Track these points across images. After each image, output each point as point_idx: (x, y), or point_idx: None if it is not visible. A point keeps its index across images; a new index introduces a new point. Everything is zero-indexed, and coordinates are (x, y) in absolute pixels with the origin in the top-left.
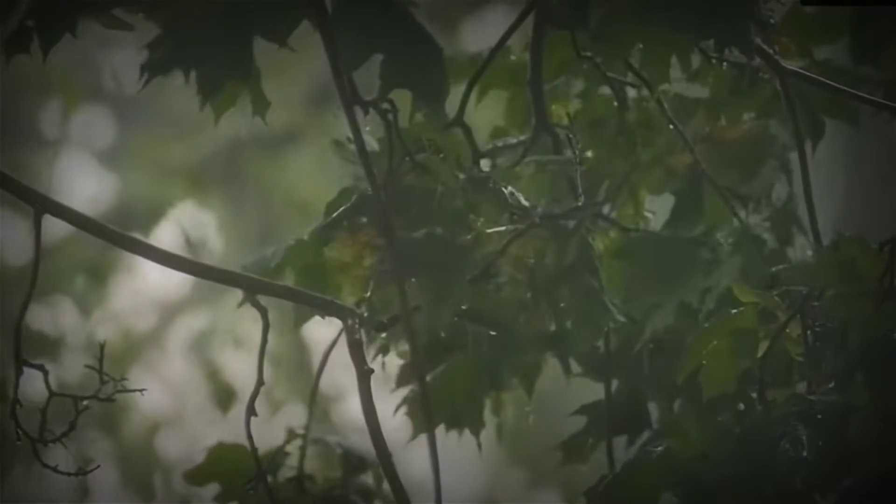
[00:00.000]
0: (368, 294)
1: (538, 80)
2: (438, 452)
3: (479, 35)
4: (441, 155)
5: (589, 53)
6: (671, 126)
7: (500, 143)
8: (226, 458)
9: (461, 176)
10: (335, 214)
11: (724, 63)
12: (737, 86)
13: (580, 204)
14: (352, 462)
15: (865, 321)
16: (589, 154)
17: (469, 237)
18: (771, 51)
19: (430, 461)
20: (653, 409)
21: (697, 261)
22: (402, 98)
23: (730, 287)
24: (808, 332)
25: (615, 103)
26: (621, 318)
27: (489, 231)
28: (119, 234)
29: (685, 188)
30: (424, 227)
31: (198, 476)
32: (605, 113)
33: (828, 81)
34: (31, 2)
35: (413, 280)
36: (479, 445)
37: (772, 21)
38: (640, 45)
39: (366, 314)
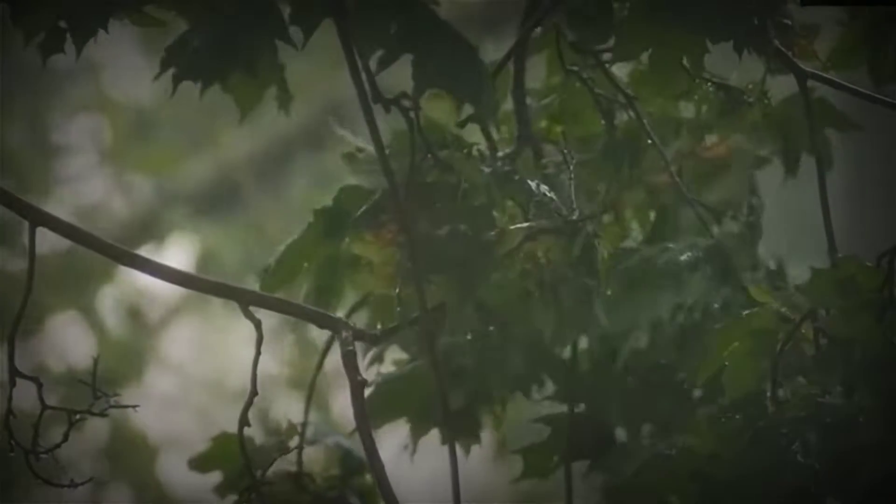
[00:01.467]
0: (397, 290)
1: (521, 90)
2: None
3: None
4: (466, 150)
5: (576, 67)
6: (650, 141)
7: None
8: (230, 447)
9: (486, 170)
10: (359, 212)
11: (710, 83)
12: (723, 108)
13: (574, 217)
14: (351, 463)
15: (868, 334)
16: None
17: (493, 233)
18: (790, 53)
19: (451, 470)
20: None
21: (668, 276)
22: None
23: (699, 300)
24: (819, 334)
25: (602, 121)
26: (604, 321)
27: (512, 227)
28: (112, 246)
29: (665, 205)
30: (448, 224)
31: (202, 463)
32: (594, 129)
33: (847, 84)
34: (63, 2)
35: (438, 277)
36: (413, 451)
37: (789, 23)
38: (651, 49)
39: (379, 327)
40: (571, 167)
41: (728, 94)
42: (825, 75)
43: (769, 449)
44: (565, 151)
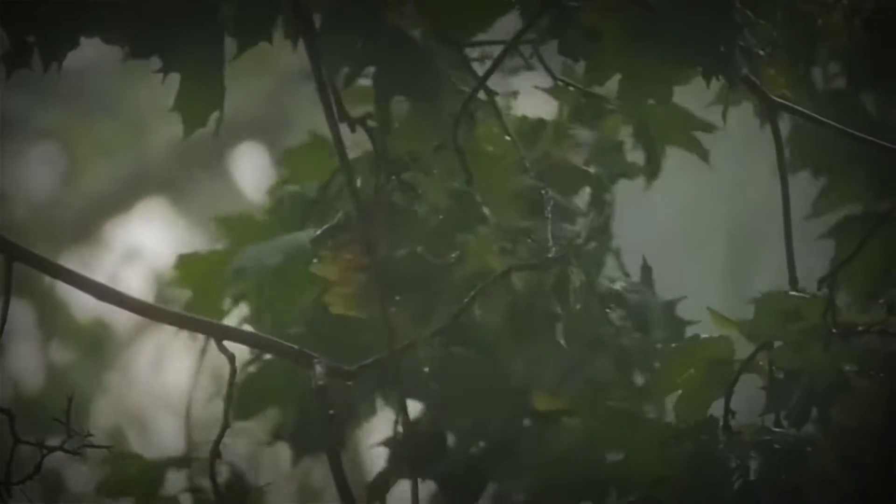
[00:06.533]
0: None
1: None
2: None
3: None
4: (435, 171)
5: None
6: (507, 138)
7: None
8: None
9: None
10: (319, 232)
11: None
12: None
13: (551, 255)
14: None
15: (816, 363)
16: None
17: (453, 256)
18: (758, 82)
19: None
20: None
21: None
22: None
23: None
24: (773, 365)
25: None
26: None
27: (474, 252)
28: (91, 281)
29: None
30: (408, 246)
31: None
32: None
33: (819, 118)
34: (34, 19)
35: (397, 299)
36: None
37: (760, 52)
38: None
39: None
40: (549, 206)
41: None
42: (799, 108)
43: (715, 475)
44: (543, 192)
